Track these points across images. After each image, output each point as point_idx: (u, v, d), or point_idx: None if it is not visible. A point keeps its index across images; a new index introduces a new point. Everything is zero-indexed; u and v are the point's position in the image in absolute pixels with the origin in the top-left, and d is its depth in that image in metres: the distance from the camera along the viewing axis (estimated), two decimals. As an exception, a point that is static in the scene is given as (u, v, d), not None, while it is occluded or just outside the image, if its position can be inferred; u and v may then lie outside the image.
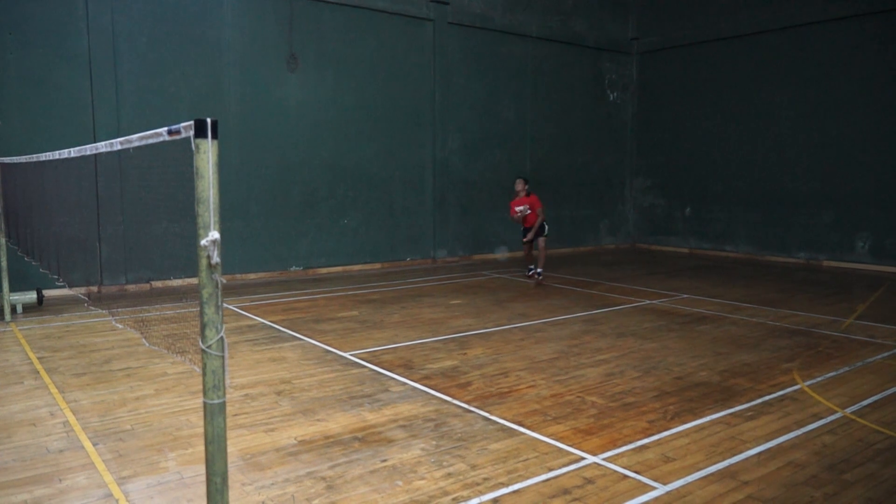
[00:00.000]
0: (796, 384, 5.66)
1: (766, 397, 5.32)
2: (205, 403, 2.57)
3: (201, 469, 3.79)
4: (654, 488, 3.74)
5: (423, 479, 3.87)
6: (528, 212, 10.93)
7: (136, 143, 3.23)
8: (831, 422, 4.78)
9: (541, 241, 10.95)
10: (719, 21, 15.03)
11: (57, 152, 6.09)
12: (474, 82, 14.16)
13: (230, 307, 9.00)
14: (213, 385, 2.54)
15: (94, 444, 4.37)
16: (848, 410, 5.01)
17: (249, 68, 11.38)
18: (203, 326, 2.52)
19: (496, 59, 14.48)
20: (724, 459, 4.13)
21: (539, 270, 11.01)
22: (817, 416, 4.88)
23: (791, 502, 3.59)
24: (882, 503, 3.59)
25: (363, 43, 12.56)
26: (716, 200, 15.37)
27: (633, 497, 3.64)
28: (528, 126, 15.14)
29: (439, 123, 13.63)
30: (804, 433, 4.56)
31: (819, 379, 5.81)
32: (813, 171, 13.63)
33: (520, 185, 11.04)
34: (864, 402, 5.19)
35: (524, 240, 11.25)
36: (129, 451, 4.28)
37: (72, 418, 4.86)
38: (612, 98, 16.77)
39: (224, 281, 2.58)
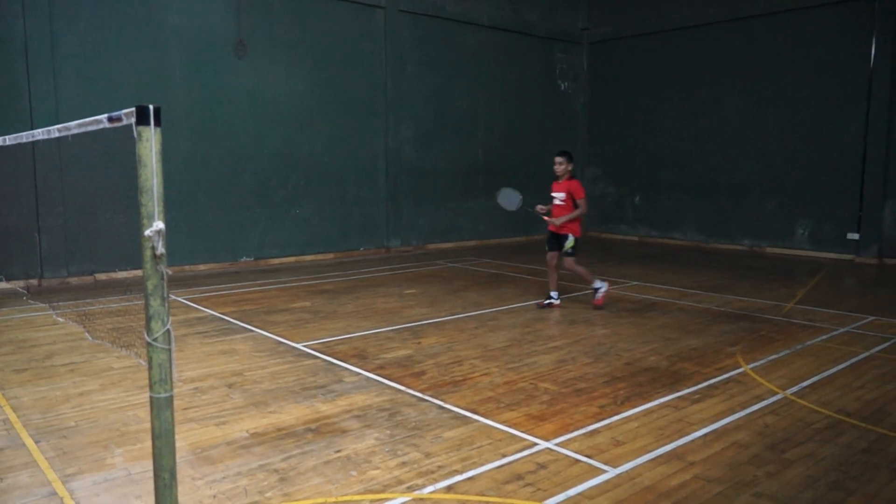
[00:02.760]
0: (740, 367, 5.84)
1: (712, 380, 5.48)
2: (151, 398, 2.51)
3: (149, 465, 3.70)
4: (604, 471, 3.82)
5: (377, 468, 3.86)
6: (562, 203, 8.00)
7: (76, 131, 3.11)
8: (773, 403, 4.96)
9: (567, 261, 8.03)
10: (668, 12, 15.30)
11: (-9, 139, 5.83)
12: (427, 71, 14.10)
13: (179, 299, 8.80)
14: (159, 378, 2.48)
15: (37, 442, 4.23)
16: (789, 392, 5.20)
17: (196, 54, 11.07)
18: (148, 319, 2.45)
19: (448, 48, 14.44)
20: (671, 441, 4.24)
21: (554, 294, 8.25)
22: (760, 398, 5.05)
23: (735, 481, 3.72)
24: (821, 480, 3.74)
25: (314, 30, 12.36)
26: (664, 189, 15.71)
27: (584, 481, 3.71)
28: (481, 115, 15.18)
29: (392, 112, 13.54)
30: (747, 414, 4.72)
31: (762, 362, 6.01)
32: (756, 161, 14.04)
33: (560, 165, 8.08)
34: (804, 384, 5.39)
35: (549, 249, 8.26)
36: (74, 448, 4.15)
37: (12, 416, 4.68)
38: (563, 88, 16.93)
39: (170, 272, 2.52)
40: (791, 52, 13.38)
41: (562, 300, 8.48)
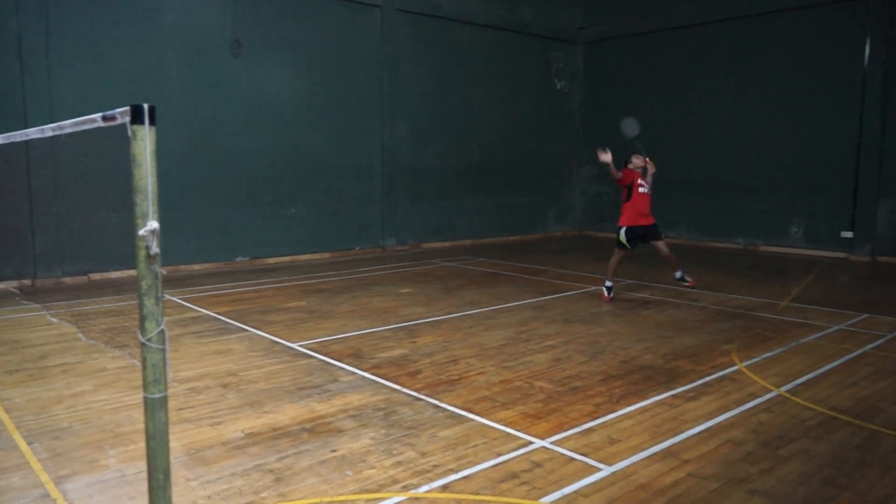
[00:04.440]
0: (735, 365, 5.86)
1: (707, 378, 5.50)
2: (145, 398, 2.50)
3: (143, 465, 3.68)
4: (599, 469, 3.83)
5: (372, 468, 3.86)
6: (648, 192, 8.51)
7: (70, 130, 3.10)
8: (767, 400, 4.97)
9: (662, 244, 8.51)
10: (664, 11, 15.32)
11: (-16, 139, 5.80)
12: (422, 70, 14.10)
13: (174, 299, 8.78)
14: (153, 379, 2.48)
15: (30, 444, 4.21)
16: (783, 389, 5.22)
17: (192, 53, 11.04)
18: (142, 319, 2.45)
19: (444, 47, 14.44)
20: (666, 439, 4.25)
21: (680, 274, 8.66)
22: (754, 395, 5.07)
23: (729, 478, 3.73)
24: (814, 476, 3.76)
25: (310, 29, 12.34)
26: (660, 188, 15.61)
27: (579, 479, 3.71)
28: (477, 114, 15.17)
29: (387, 111, 13.52)
30: (742, 412, 4.74)
31: (756, 359, 6.03)
32: (751, 160, 14.08)
33: (640, 160, 8.70)
34: (798, 381, 5.41)
35: (630, 247, 8.51)
36: (67, 449, 4.14)
37: (5, 417, 4.67)
38: (559, 87, 16.95)
39: (164, 272, 2.51)
40: (786, 52, 13.42)
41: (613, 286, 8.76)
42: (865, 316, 7.79)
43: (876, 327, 7.25)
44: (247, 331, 7.13)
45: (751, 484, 3.67)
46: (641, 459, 3.97)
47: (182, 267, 11.11)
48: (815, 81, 13.06)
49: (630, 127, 8.95)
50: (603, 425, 4.50)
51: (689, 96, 15.02)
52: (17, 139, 4.79)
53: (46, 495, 3.55)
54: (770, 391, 5.18)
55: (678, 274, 8.64)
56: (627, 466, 3.87)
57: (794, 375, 5.57)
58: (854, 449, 4.12)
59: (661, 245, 8.49)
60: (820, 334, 6.95)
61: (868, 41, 12.32)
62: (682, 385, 5.33)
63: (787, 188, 13.57)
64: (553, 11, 16.57)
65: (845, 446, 4.16)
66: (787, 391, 5.18)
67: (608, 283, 8.68)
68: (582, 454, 4.04)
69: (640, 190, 8.42)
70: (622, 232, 8.47)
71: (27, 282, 9.75)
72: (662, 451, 4.09)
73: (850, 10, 12.53)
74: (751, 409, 4.80)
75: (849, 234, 12.76)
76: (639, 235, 8.45)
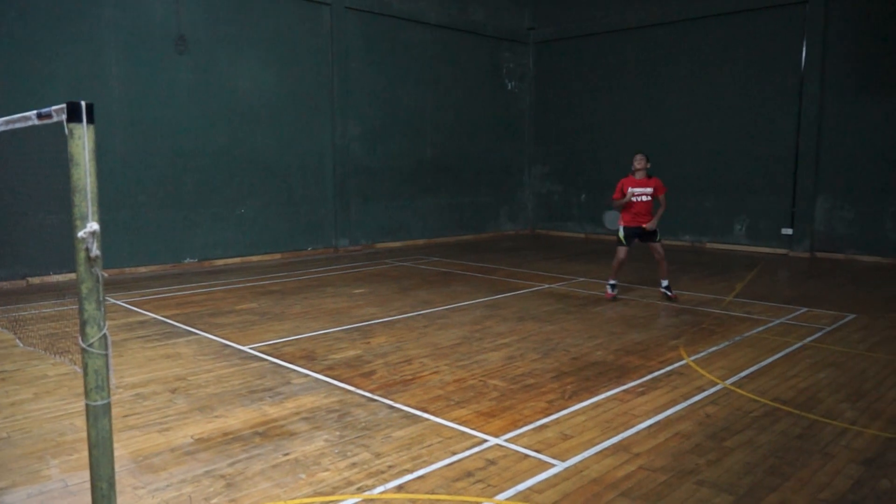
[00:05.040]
0: (682, 359, 6.01)
1: (656, 373, 5.62)
2: (87, 405, 2.42)
3: (87, 475, 3.57)
4: (553, 465, 3.87)
5: (326, 470, 3.82)
6: (649, 199, 8.42)
7: (3, 128, 2.97)
8: (713, 393, 5.11)
9: (658, 245, 8.56)
10: (611, 14, 15.62)
11: (-89, 137, 5.52)
12: (374, 69, 14.02)
13: (118, 303, 8.52)
14: (95, 385, 2.39)
15: (-36, 456, 4.02)
16: (728, 382, 5.37)
17: (134, 49, 10.72)
18: (83, 324, 2.36)
19: (395, 46, 14.39)
20: (617, 434, 4.33)
21: (666, 283, 8.67)
22: (701, 389, 5.20)
23: (678, 470, 3.82)
24: (759, 466, 3.88)
25: (258, 25, 12.14)
26: (609, 187, 15.92)
27: (533, 475, 3.75)
28: (429, 114, 15.18)
29: (338, 110, 13.41)
30: (689, 405, 4.86)
31: (702, 354, 6.20)
32: (697, 159, 14.47)
33: (640, 162, 8.45)
34: (742, 374, 5.58)
35: (627, 244, 8.58)
36: (6, 460, 3.97)
37: (-63, 429, 4.45)
38: (510, 87, 17.09)
39: (105, 275, 2.43)
40: (728, 54, 13.84)
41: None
42: (805, 310, 8.09)
43: (815, 320, 7.53)
44: (196, 334, 6.97)
45: (699, 475, 3.76)
46: (594, 454, 4.03)
47: (127, 270, 10.79)
48: (755, 83, 13.51)
49: (612, 221, 9.10)
50: (556, 422, 4.56)
51: (636, 97, 15.34)
52: (-52, 137, 4.57)
53: (-18, 509, 3.40)
54: (716, 384, 5.32)
55: (664, 283, 8.67)
56: (580, 461, 3.93)
57: (739, 368, 5.74)
58: (796, 438, 4.27)
59: (655, 247, 8.56)
60: (762, 328, 7.19)
61: (805, 44, 12.79)
62: (633, 380, 5.43)
63: (731, 187, 14.00)
64: (503, 12, 16.70)
65: (788, 436, 4.30)
66: (732, 384, 5.33)
67: (612, 282, 8.73)
68: (535, 451, 4.07)
69: (634, 199, 8.44)
70: (621, 230, 8.62)
71: (-40, 287, 9.32)
72: (614, 445, 4.16)
73: (789, 14, 12.99)
74: (698, 402, 4.93)
75: (789, 231, 13.24)
76: (636, 234, 8.56)
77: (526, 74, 17.42)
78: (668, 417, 4.62)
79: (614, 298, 8.69)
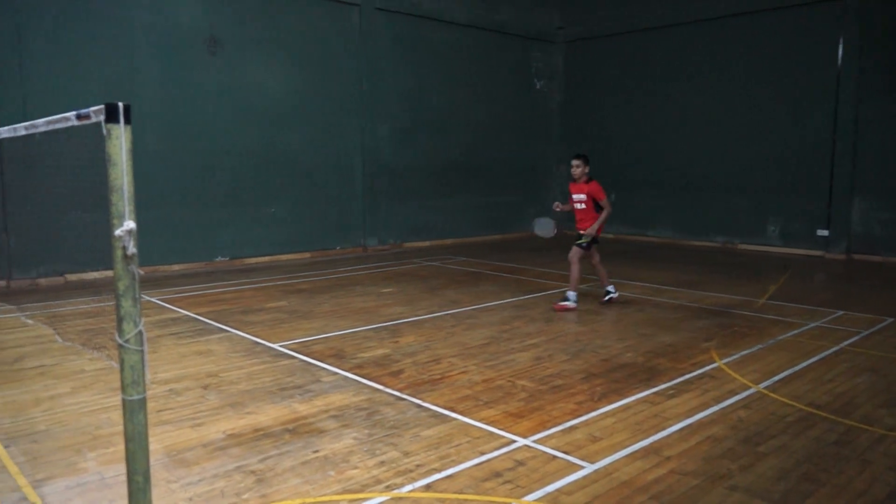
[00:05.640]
0: (714, 362, 5.92)
1: (687, 376, 5.54)
2: (124, 400, 2.46)
3: (123, 468, 3.63)
4: (582, 467, 3.84)
5: (355, 468, 3.84)
6: (584, 206, 8.10)
7: (43, 129, 3.04)
8: (746, 397, 5.03)
9: (574, 251, 8.17)
10: (641, 12, 15.44)
11: (-44, 138, 5.69)
12: (403, 69, 14.07)
13: (153, 300, 8.67)
14: (132, 381, 2.44)
15: (6, 447, 4.13)
16: (761, 386, 5.28)
17: (167, 51, 10.91)
18: (120, 320, 2.41)
19: (424, 46, 14.42)
20: (648, 437, 4.28)
21: (610, 288, 8.34)
22: (733, 392, 5.12)
23: (710, 474, 3.77)
24: (793, 472, 3.80)
25: (288, 27, 12.26)
26: (639, 187, 15.86)
27: (562, 477, 3.72)
28: (457, 113, 15.18)
29: (368, 110, 13.48)
30: (721, 409, 4.78)
31: (735, 357, 6.10)
32: (729, 159, 14.24)
33: (577, 168, 8.04)
34: (776, 378, 5.48)
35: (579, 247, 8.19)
36: (45, 452, 4.07)
37: (-21, 421, 4.58)
38: (538, 86, 17.01)
39: (141, 272, 2.47)
40: (762, 52, 13.59)
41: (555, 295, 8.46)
42: (841, 313, 7.91)
43: (852, 324, 7.36)
44: (227, 331, 7.07)
45: (731, 480, 3.70)
46: (623, 457, 3.99)
47: (161, 267, 10.99)
48: (790, 81, 13.24)
49: (544, 229, 8.61)
50: (585, 423, 4.52)
51: (667, 95, 15.15)
52: (-9, 138, 4.69)
53: (24, 499, 3.49)
54: (749, 388, 5.23)
55: (571, 293, 8.09)
56: (610, 464, 3.89)
57: (773, 372, 5.63)
58: (832, 444, 4.18)
59: (574, 250, 8.15)
60: (797, 331, 7.05)
61: (841, 41, 12.51)
62: (663, 383, 5.37)
63: (764, 187, 13.75)
64: (533, 11, 16.63)
65: (823, 442, 4.22)
66: (766, 388, 5.24)
67: (570, 295, 8.15)
68: (564, 452, 4.05)
69: (573, 199, 8.23)
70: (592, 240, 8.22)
71: (2, 282, 9.57)
72: (644, 448, 4.12)
73: (825, 12, 12.71)
74: (730, 405, 4.85)
75: (825, 233, 12.96)
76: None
77: (555, 74, 17.32)
78: (699, 421, 4.56)
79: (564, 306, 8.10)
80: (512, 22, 16.08)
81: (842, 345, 6.50)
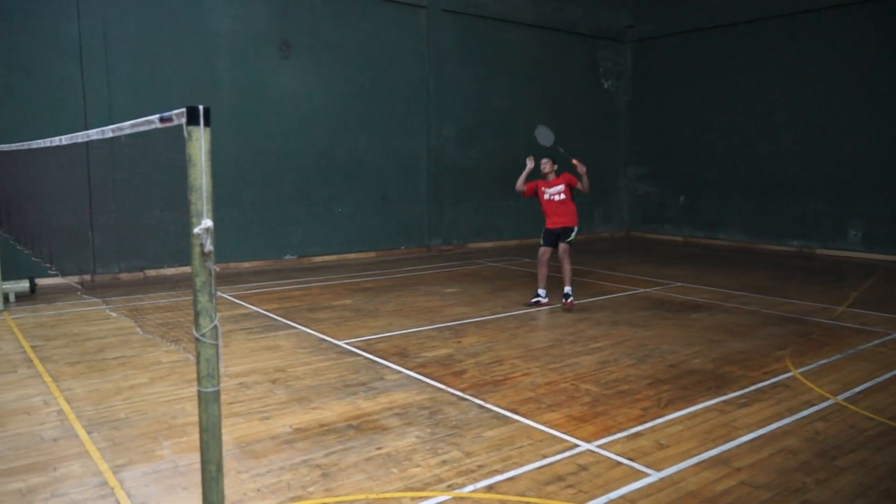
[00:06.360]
0: (789, 371, 5.69)
1: (759, 384, 5.35)
2: (199, 392, 2.56)
3: (196, 457, 3.78)
4: (647, 475, 3.76)
5: (417, 466, 3.88)
6: (564, 197, 8.25)
7: (128, 131, 3.20)
8: (823, 408, 4.81)
9: (562, 247, 8.17)
10: (712, 9, 14.98)
11: (48, 140, 6.04)
12: (468, 70, 14.09)
13: (224, 296, 8.98)
14: (207, 373, 2.53)
15: (89, 433, 4.37)
16: (840, 397, 5.04)
17: (242, 55, 11.29)
18: (197, 315, 2.50)
19: (490, 47, 14.40)
20: (717, 446, 4.15)
21: (567, 290, 8.12)
22: (810, 403, 4.91)
23: (783, 488, 3.62)
24: (873, 489, 3.62)
25: (356, 30, 12.47)
26: (709, 188, 15.38)
27: (626, 483, 3.66)
28: (523, 114, 15.07)
29: (433, 111, 13.57)
30: (796, 420, 4.59)
31: (811, 366, 5.84)
32: (806, 160, 13.64)
33: (547, 166, 8.39)
34: (856, 389, 5.22)
35: (544, 244, 8.39)
36: (124, 439, 4.28)
37: (66, 407, 4.85)
38: (606, 86, 16.73)
39: (217, 269, 2.56)
40: (841, 48, 12.95)
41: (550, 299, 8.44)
42: (929, 323, 7.47)
43: (940, 335, 6.94)
44: (294, 328, 7.25)
45: (806, 494, 3.55)
46: (690, 466, 3.88)
47: (232, 264, 11.37)
48: (870, 78, 12.57)
49: (544, 136, 8.61)
50: (651, 430, 4.42)
51: (738, 95, 14.63)
52: (79, 140, 4.97)
53: (104, 483, 3.68)
54: (826, 399, 5.01)
55: (566, 289, 8.11)
56: (676, 473, 3.80)
57: (852, 383, 5.37)
58: (917, 461, 3.95)
59: (563, 246, 8.14)
60: (879, 341, 6.69)
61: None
62: (734, 391, 5.20)
63: (845, 189, 13.10)
64: (601, 10, 16.36)
65: (907, 458, 3.99)
66: (845, 399, 5.00)
67: (541, 292, 8.41)
68: (629, 458, 3.97)
69: (545, 197, 8.31)
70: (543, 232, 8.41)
71: (87, 277, 10.11)
72: (712, 457, 4.00)
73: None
74: (806, 417, 4.65)
75: (911, 238, 12.25)
76: (555, 235, 8.29)
77: (623, 73, 17.00)
78: (772, 432, 4.39)
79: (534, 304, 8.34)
80: (580, 21, 15.87)
81: (929, 357, 6.14)
